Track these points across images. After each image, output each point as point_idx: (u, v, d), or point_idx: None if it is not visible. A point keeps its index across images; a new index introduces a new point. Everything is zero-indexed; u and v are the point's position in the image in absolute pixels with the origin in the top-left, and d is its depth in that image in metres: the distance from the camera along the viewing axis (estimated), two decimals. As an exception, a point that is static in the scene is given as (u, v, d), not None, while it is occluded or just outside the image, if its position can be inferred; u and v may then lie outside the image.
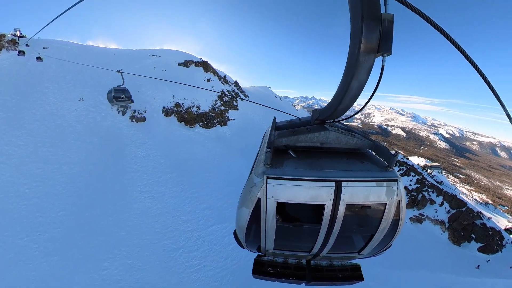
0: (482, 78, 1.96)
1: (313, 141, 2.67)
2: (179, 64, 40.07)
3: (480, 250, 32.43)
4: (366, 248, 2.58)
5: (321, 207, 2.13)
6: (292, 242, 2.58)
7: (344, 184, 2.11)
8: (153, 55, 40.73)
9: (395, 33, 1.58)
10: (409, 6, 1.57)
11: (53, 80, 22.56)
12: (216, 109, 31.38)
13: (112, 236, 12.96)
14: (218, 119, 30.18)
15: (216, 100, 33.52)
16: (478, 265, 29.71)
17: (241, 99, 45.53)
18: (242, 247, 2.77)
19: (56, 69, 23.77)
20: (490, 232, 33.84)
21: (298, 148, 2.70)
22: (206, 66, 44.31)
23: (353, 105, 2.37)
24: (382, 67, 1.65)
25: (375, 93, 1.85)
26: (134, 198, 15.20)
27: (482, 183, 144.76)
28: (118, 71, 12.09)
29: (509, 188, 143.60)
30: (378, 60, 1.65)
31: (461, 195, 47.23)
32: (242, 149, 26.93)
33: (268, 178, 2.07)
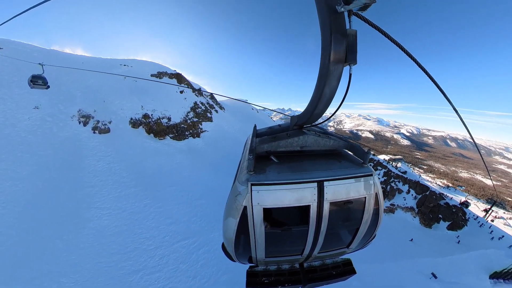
0: (432, 81, 2.20)
1: (293, 146, 2.78)
2: (152, 75, 39.26)
3: (449, 228, 35.06)
4: (354, 241, 2.67)
5: (306, 208, 2.17)
6: (283, 247, 2.55)
7: (325, 183, 2.21)
8: (124, 65, 39.40)
9: (359, 46, 1.76)
10: (369, 23, 1.79)
11: (3, 85, 20.27)
12: (189, 121, 30.83)
13: (59, 262, 11.37)
14: (191, 131, 29.57)
15: (189, 112, 33.05)
16: (459, 240, 32.04)
17: (216, 111, 45.61)
18: (233, 260, 2.69)
19: (9, 72, 21.48)
20: (454, 210, 37.08)
21: (279, 153, 2.79)
22: (179, 78, 44.09)
23: (326, 113, 2.57)
24: (350, 75, 1.81)
25: (345, 101, 2.02)
26: (89, 216, 13.74)
27: (441, 170, 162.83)
28: (39, 63, 13.15)
29: (463, 171, 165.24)
30: (346, 70, 1.83)
31: (426, 182, 51.31)
32: (215, 161, 26.53)
33: (252, 185, 2.07)
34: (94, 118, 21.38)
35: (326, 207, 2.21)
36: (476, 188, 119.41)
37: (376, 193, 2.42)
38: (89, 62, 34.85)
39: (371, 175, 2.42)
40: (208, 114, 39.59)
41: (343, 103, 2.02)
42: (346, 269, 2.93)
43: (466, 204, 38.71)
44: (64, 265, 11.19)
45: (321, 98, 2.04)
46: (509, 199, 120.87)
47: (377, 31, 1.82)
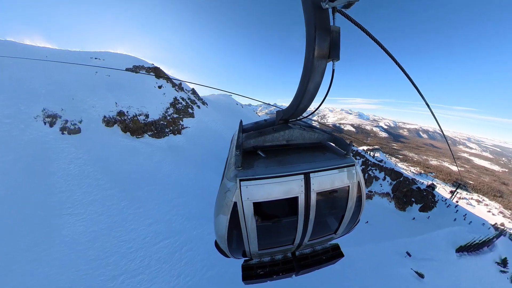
0: (408, 78, 2.27)
1: (279, 140, 2.84)
2: (127, 69, 37.07)
3: (420, 210, 38.50)
4: (340, 227, 2.83)
5: (295, 199, 2.24)
6: (275, 238, 2.62)
7: (311, 175, 2.29)
8: (95, 58, 36.69)
9: (342, 43, 1.82)
10: (352, 20, 1.81)
11: None
12: (168, 117, 29.73)
13: (31, 276, 10.64)
14: (171, 128, 28.59)
15: (168, 108, 31.83)
16: (429, 216, 35.16)
17: (198, 106, 44.46)
18: (227, 256, 2.75)
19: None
20: (425, 193, 40.60)
21: (266, 148, 2.84)
22: (158, 72, 42.05)
23: (310, 107, 2.61)
24: (333, 70, 1.85)
25: (328, 97, 2.09)
26: (62, 223, 12.97)
27: (415, 159, 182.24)
28: None
29: (433, 159, 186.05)
30: (329, 66, 1.88)
31: (401, 170, 55.62)
32: (198, 158, 26.05)
33: (241, 180, 2.10)
34: (62, 118, 19.79)
35: (313, 197, 2.31)
36: (444, 174, 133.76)
37: (359, 182, 2.59)
38: (54, 55, 31.88)
39: (354, 165, 2.56)
40: (190, 110, 38.48)
41: (327, 98, 2.11)
42: (335, 253, 3.09)
43: (432, 187, 42.26)
44: (37, 279, 10.54)
45: (305, 93, 2.09)
46: (471, 182, 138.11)
47: (359, 29, 1.87)
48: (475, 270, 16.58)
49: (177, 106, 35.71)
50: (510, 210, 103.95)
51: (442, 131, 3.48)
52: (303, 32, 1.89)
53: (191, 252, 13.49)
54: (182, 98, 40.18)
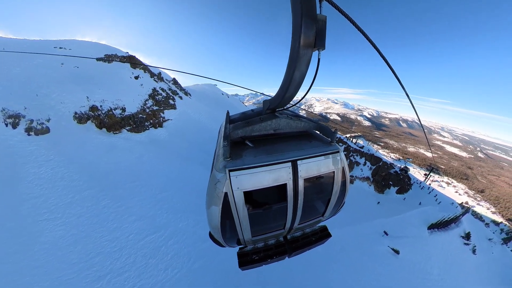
0: (391, 70, 2.25)
1: (266, 129, 2.93)
2: (98, 60, 34.31)
3: (397, 192, 41.30)
4: (327, 210, 3.00)
5: (283, 186, 2.34)
6: (267, 225, 2.75)
7: (299, 162, 2.39)
8: (60, 48, 33.45)
9: (328, 32, 1.77)
10: (339, 9, 1.77)
11: None
12: (148, 110, 28.42)
13: None
14: (151, 121, 27.47)
15: (147, 100, 30.32)
16: (405, 198, 37.87)
17: (180, 97, 42.80)
18: (222, 246, 2.83)
19: None
20: (401, 177, 43.30)
21: (254, 138, 2.90)
22: (134, 61, 39.38)
23: (297, 97, 2.64)
24: (318, 60, 1.86)
25: (315, 86, 2.09)
26: (39, 230, 12.49)
27: (395, 146, 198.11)
28: None
29: (411, 146, 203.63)
30: (315, 55, 1.88)
31: (382, 156, 58.76)
32: (181, 150, 25.51)
33: (230, 171, 2.13)
34: (26, 118, 18.26)
35: (301, 183, 2.43)
36: (419, 159, 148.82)
37: (343, 167, 2.74)
38: (9, 45, 28.68)
39: (338, 152, 2.71)
40: (171, 101, 36.93)
41: (313, 87, 2.15)
42: (323, 234, 3.32)
43: (405, 170, 44.66)
44: (18, 289, 10.31)
45: (291, 82, 2.09)
46: (442, 166, 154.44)
47: (346, 18, 1.84)
48: (443, 244, 18.59)
49: (157, 97, 34.07)
50: (473, 190, 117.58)
51: (420, 121, 3.67)
52: (290, 20, 1.86)
53: (178, 245, 13.64)
54: (162, 89, 38.31)
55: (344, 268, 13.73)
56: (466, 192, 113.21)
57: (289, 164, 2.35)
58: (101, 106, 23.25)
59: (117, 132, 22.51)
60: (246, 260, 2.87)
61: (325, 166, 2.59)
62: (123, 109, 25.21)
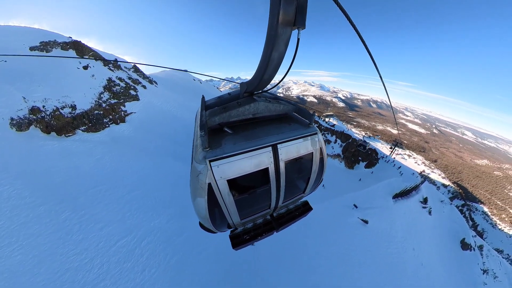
0: (368, 53, 2.09)
1: (245, 114, 2.84)
2: (32, 49, 29.43)
3: (366, 167, 44.20)
4: (308, 187, 3.22)
5: (265, 170, 2.41)
6: (253, 207, 2.87)
7: (279, 146, 2.45)
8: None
9: (309, 13, 1.38)
10: None
11: None
12: (104, 104, 25.62)
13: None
14: (111, 117, 24.97)
15: (102, 93, 27.21)
16: (372, 171, 40.69)
17: (143, 86, 39.19)
18: (214, 232, 2.92)
19: None
20: (369, 152, 45.83)
21: (232, 123, 2.81)
22: (79, 48, 34.42)
23: (275, 79, 2.61)
24: (298, 40, 1.76)
25: (292, 69, 2.20)
26: (-10, 258, 11.41)
27: (366, 125, 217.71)
28: None
29: (380, 125, 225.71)
30: (294, 35, 1.78)
31: (354, 134, 61.93)
32: (149, 145, 23.99)
33: (210, 161, 2.09)
34: (-51, 132, 15.54)
35: (282, 166, 2.50)
36: (386, 136, 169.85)
37: (321, 147, 2.92)
38: None
39: (316, 133, 2.83)
40: (132, 92, 33.66)
41: (291, 69, 1.79)
42: (305, 208, 3.59)
43: (363, 145, 46.54)
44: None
45: (269, 63, 1.99)
46: (405, 142, 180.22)
47: None
48: (406, 210, 21.12)
49: (114, 89, 30.74)
50: (428, 161, 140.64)
51: (390, 102, 3.84)
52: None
53: (152, 244, 13.39)
54: (120, 79, 34.50)
55: (320, 239, 14.67)
56: (423, 162, 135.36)
57: (270, 148, 2.38)
58: (43, 106, 20.36)
59: (70, 134, 20.19)
60: (238, 241, 3.01)
61: (304, 147, 2.67)
62: (73, 107, 22.41)
